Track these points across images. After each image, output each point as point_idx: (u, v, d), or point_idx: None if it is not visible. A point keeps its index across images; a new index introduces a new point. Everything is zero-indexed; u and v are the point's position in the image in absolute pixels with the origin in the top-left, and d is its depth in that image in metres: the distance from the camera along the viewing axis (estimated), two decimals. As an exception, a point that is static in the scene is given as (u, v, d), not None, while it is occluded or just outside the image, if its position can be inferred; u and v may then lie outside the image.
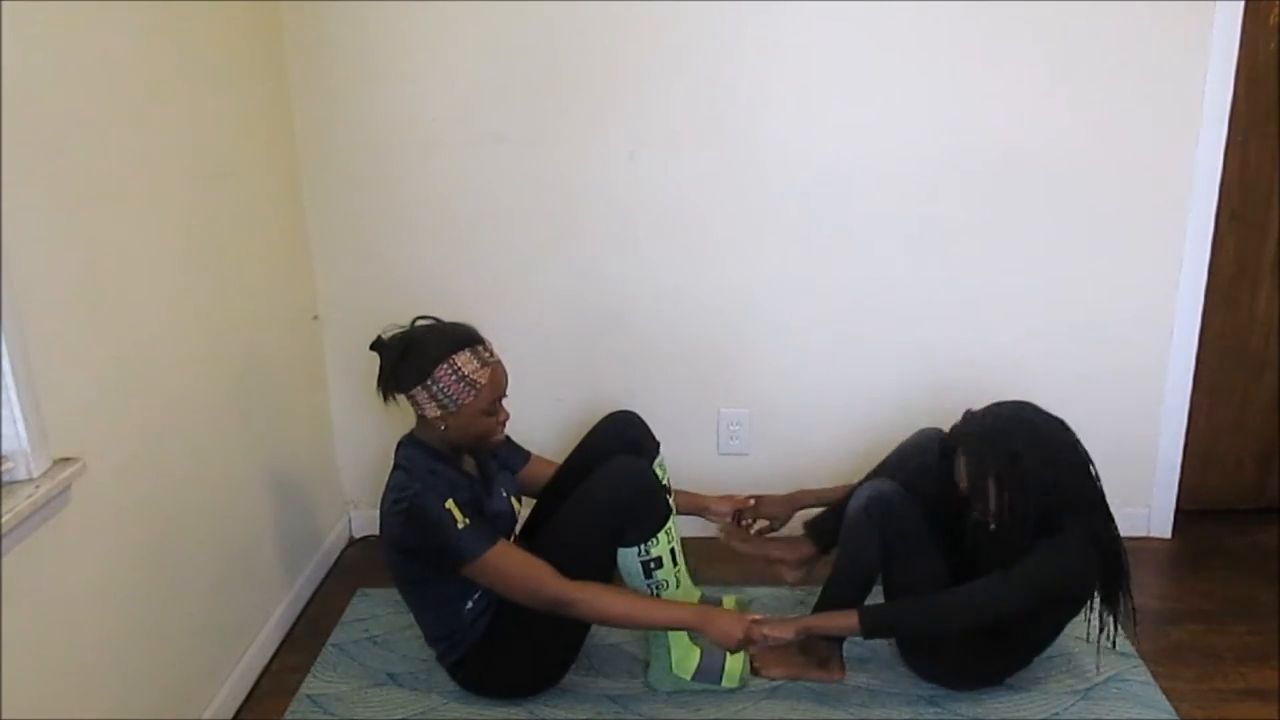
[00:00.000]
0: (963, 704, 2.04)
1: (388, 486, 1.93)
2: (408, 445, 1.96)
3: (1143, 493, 2.71)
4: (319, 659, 2.24)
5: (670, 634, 2.06)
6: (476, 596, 1.96)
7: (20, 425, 1.45)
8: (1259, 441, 2.78)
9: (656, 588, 2.03)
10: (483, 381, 1.88)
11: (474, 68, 2.44)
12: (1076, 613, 2.01)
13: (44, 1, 1.51)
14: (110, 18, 1.70)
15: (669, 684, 2.09)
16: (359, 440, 2.72)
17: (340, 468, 2.76)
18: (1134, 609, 2.03)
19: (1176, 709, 2.03)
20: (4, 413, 1.44)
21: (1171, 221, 2.50)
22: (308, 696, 2.12)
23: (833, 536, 2.15)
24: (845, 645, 2.13)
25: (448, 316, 2.61)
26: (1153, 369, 2.62)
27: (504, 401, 1.96)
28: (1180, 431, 2.67)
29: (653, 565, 2.00)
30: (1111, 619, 2.03)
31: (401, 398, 1.91)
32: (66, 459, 1.54)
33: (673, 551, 2.03)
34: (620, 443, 2.17)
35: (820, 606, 2.09)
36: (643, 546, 1.99)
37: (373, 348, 1.92)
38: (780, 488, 2.35)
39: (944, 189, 2.50)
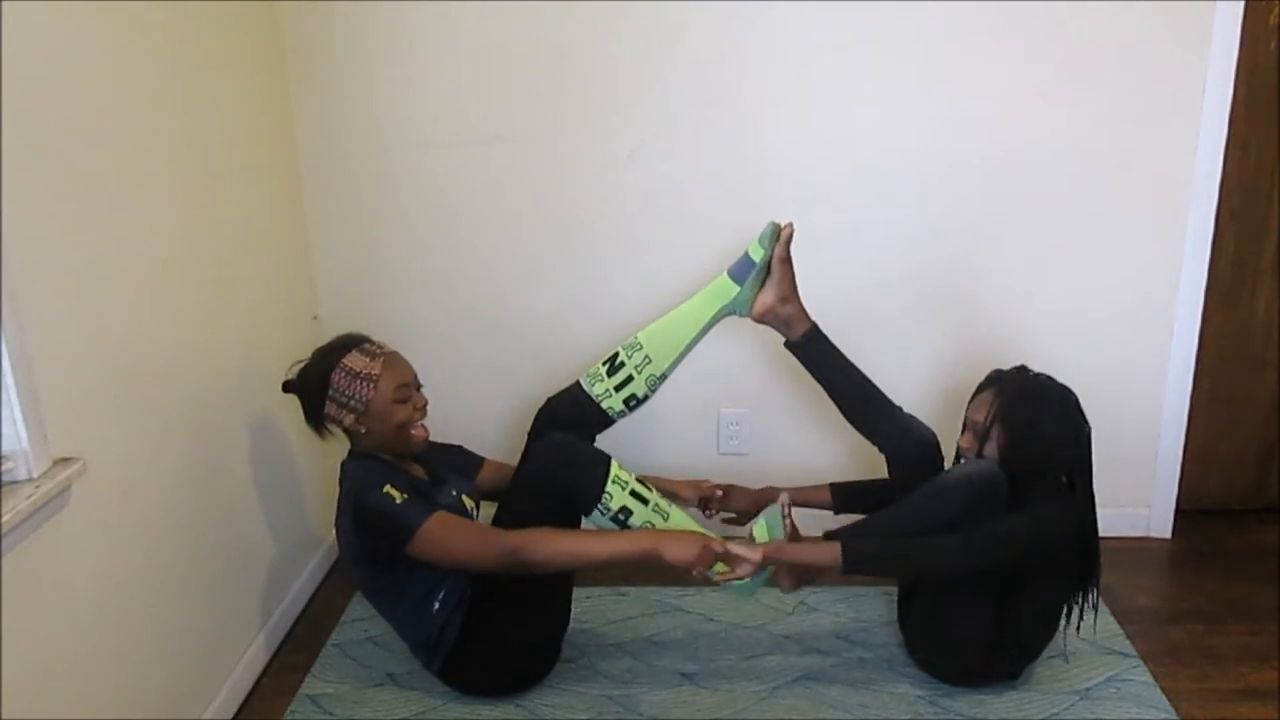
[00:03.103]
0: (963, 704, 2.04)
1: (337, 503, 1.97)
2: (347, 463, 2.01)
3: (1143, 493, 2.71)
4: (319, 659, 2.24)
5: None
6: (441, 596, 1.97)
7: (20, 425, 1.45)
8: (1259, 442, 2.78)
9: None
10: (377, 373, 1.94)
11: (474, 67, 2.44)
12: (1062, 597, 2.02)
13: (44, 1, 1.51)
14: (110, 17, 1.70)
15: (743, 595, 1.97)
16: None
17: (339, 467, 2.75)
18: (1095, 604, 2.06)
19: (1176, 709, 2.03)
20: (4, 413, 1.44)
21: (1171, 221, 2.50)
22: (308, 696, 2.12)
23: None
24: (845, 642, 2.12)
25: (447, 317, 2.64)
26: (1153, 369, 2.62)
27: (421, 391, 2.02)
28: (1180, 431, 2.67)
29: (622, 517, 1.96)
30: (1079, 610, 2.05)
31: (333, 426, 1.99)
32: (66, 459, 1.54)
33: (635, 494, 1.97)
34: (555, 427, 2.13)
35: (848, 532, 1.99)
36: (600, 507, 1.96)
37: (285, 390, 2.03)
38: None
39: (943, 190, 2.50)
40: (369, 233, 2.58)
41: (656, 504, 2.00)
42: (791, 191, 2.50)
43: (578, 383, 2.15)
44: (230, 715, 2.07)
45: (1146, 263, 2.54)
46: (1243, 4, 2.32)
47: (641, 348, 2.11)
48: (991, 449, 1.98)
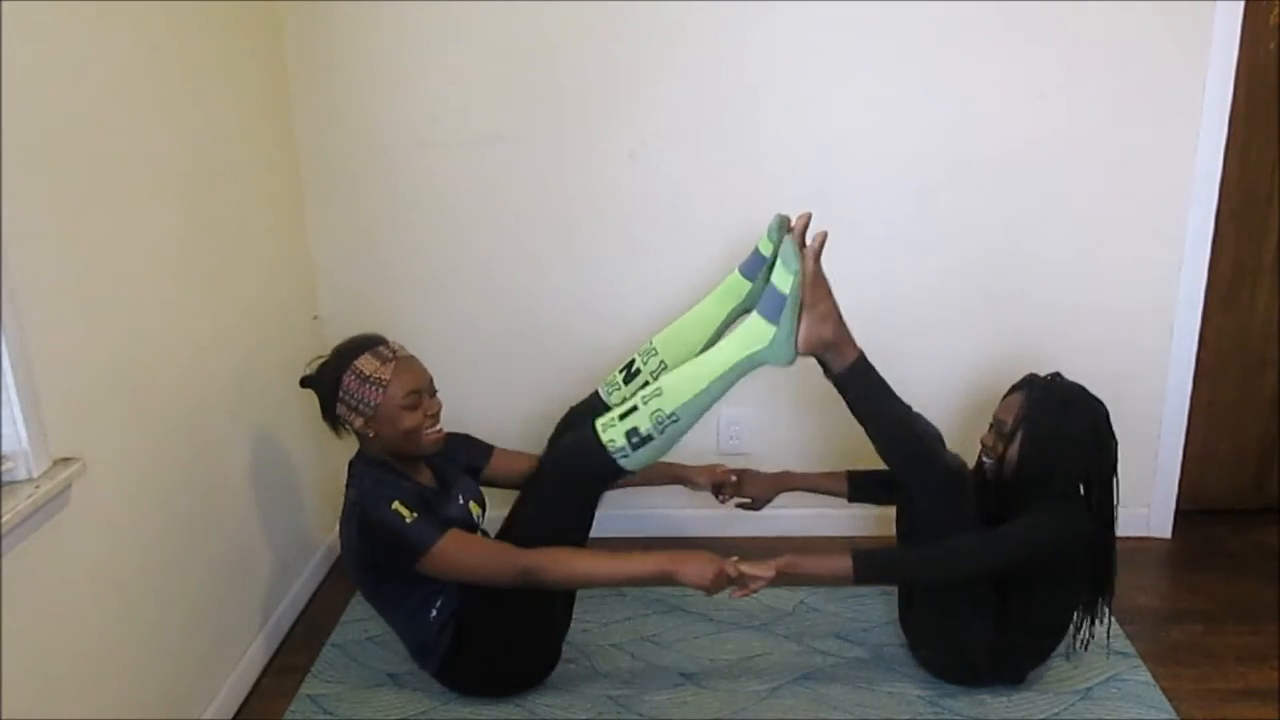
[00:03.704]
0: (963, 704, 2.04)
1: (343, 506, 1.96)
2: (355, 464, 1.99)
3: (1143, 493, 2.71)
4: (319, 659, 2.24)
5: (747, 336, 1.92)
6: (439, 605, 1.97)
7: (20, 425, 1.45)
8: (1259, 441, 2.78)
9: (663, 422, 1.87)
10: (387, 377, 1.90)
11: (474, 67, 2.44)
12: (1070, 605, 2.02)
13: (45, 1, 1.51)
14: (110, 17, 1.70)
15: (783, 354, 1.94)
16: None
17: (340, 468, 2.75)
18: (1110, 614, 2.08)
19: (1176, 709, 2.03)
20: (4, 413, 1.44)
21: (1172, 221, 2.50)
22: (308, 696, 2.12)
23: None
24: (845, 642, 2.12)
25: (446, 316, 2.64)
26: (1153, 369, 2.62)
27: (436, 396, 1.98)
28: (1180, 431, 2.67)
29: (636, 440, 1.87)
30: (1090, 618, 2.05)
31: (344, 426, 1.97)
32: (66, 459, 1.54)
33: (624, 415, 1.89)
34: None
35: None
36: (619, 457, 1.88)
37: (302, 385, 2.00)
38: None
39: (943, 190, 2.50)
40: (369, 232, 2.58)
41: (642, 396, 1.90)
42: (791, 191, 2.50)
43: (596, 392, 2.14)
44: (230, 715, 2.06)
45: (1146, 263, 2.54)
46: (1243, 4, 2.32)
47: (656, 353, 2.10)
48: (1014, 450, 1.98)
